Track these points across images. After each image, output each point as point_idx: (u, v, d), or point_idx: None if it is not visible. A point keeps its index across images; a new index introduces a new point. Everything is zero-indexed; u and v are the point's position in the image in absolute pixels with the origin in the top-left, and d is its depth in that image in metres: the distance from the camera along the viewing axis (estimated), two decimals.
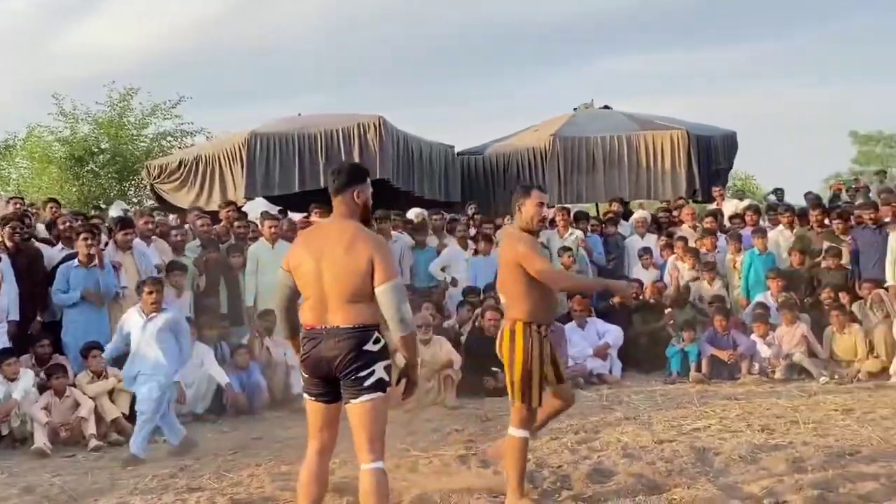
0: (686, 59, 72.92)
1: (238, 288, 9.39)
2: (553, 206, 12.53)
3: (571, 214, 11.82)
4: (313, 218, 11.32)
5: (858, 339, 9.21)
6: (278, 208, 13.39)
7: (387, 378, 4.03)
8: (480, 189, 14.95)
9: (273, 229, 9.56)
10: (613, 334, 9.75)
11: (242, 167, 12.86)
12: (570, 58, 79.12)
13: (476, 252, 10.95)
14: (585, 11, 74.47)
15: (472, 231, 11.60)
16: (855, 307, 9.63)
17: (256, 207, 13.38)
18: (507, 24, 68.19)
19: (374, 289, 3.94)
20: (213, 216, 10.89)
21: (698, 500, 4.84)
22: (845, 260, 10.19)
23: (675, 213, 12.49)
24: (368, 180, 4.24)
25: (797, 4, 66.38)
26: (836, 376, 8.94)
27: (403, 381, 4.15)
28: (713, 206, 12.99)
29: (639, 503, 4.84)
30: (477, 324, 9.29)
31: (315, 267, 4.02)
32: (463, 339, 9.27)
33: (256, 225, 10.57)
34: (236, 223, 10.24)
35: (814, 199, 12.38)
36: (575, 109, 16.37)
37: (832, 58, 68.97)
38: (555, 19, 69.49)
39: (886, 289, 9.51)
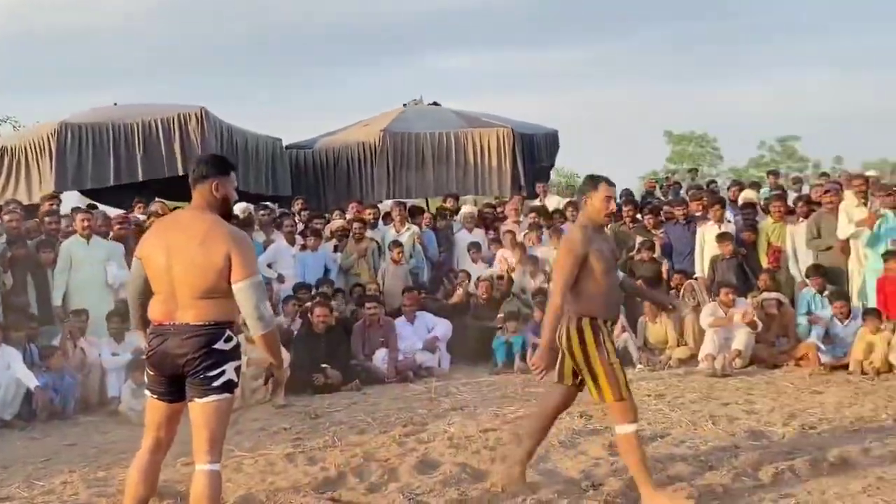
0: (514, 59, 75.21)
1: (48, 286, 8.88)
2: (380, 203, 12.66)
3: (407, 209, 11.93)
4: (136, 213, 10.90)
5: (669, 328, 9.78)
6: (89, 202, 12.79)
7: (235, 379, 3.92)
8: (310, 183, 14.79)
9: (86, 223, 9.09)
10: (442, 328, 9.90)
11: (51, 159, 12.14)
12: (401, 54, 79.85)
13: (304, 247, 10.85)
14: (416, 10, 75.35)
15: (301, 226, 11.47)
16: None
17: (70, 202, 12.68)
18: (339, 19, 68.00)
19: (230, 285, 3.82)
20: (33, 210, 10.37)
21: (520, 485, 4.98)
22: (658, 253, 10.85)
23: (499, 209, 12.84)
24: (232, 174, 4.10)
25: (619, 11, 69.80)
26: (649, 363, 9.47)
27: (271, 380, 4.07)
28: (537, 201, 13.42)
29: (463, 492, 4.94)
30: (306, 318, 9.22)
31: (165, 260, 3.87)
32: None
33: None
34: (47, 218, 9.67)
35: (626, 196, 13.04)
36: (405, 105, 16.46)
37: (649, 62, 73.04)
38: (386, 16, 69.88)
39: (696, 279, 10.21)
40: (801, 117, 57.23)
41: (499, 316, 10.08)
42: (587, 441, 6.01)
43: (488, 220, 12.38)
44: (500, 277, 10.92)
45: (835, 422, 6.50)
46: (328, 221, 11.96)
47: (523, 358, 9.37)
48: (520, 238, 11.33)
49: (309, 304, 9.42)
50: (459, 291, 10.69)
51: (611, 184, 4.88)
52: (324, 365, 8.76)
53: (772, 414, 6.83)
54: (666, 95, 62.13)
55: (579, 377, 4.83)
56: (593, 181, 4.87)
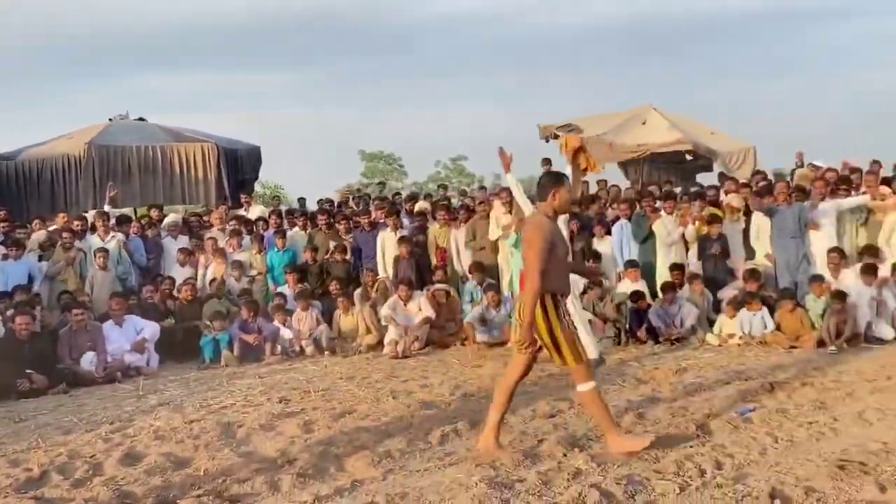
0: (220, 80, 73.01)
1: None
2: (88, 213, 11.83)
3: (112, 219, 11.28)
4: None
5: (360, 318, 10.08)
6: None
7: None
8: (13, 195, 13.43)
9: None
10: (150, 330, 9.42)
11: None
12: (109, 71, 74.41)
13: (6, 257, 9.85)
14: (124, 28, 70.58)
15: (1, 237, 10.37)
16: (356, 294, 10.55)
17: None
18: (38, 32, 61.68)
19: None
20: None
21: (220, 468, 4.95)
22: (349, 255, 11.16)
23: (205, 217, 12.52)
24: None
25: (322, 44, 70.29)
26: (343, 350, 9.72)
27: None
28: (241, 211, 13.22)
29: (167, 479, 4.80)
30: (9, 326, 8.37)
31: None
32: None
33: None
34: None
35: (323, 205, 13.26)
36: (110, 120, 15.47)
37: (348, 89, 74.46)
38: (94, 32, 64.60)
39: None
40: (470, 140, 61.51)
41: (205, 315, 9.83)
42: (284, 423, 6.06)
43: (194, 227, 12.00)
44: (212, 280, 10.66)
45: (489, 389, 7.05)
46: (31, 231, 10.96)
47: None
48: (222, 244, 11.15)
49: (10, 312, 8.55)
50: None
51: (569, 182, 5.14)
52: (29, 371, 8.01)
53: (441, 387, 7.28)
54: (360, 119, 63.79)
55: (538, 346, 4.87)
56: (559, 178, 5.01)
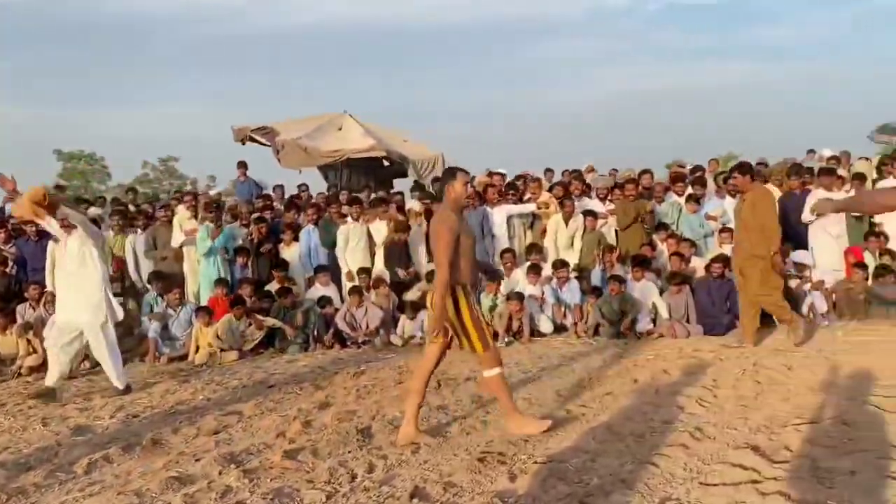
0: None
1: None
2: None
3: None
4: None
5: (21, 340, 9.05)
6: None
7: None
8: None
9: None
10: None
11: None
12: None
13: None
14: None
15: None
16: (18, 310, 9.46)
17: None
18: None
19: None
20: None
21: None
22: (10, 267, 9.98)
23: None
24: None
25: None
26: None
27: None
28: None
29: None
30: None
31: None
32: None
33: None
34: None
35: None
36: None
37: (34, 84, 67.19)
38: None
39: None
40: (181, 140, 58.54)
41: None
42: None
43: None
44: None
45: (157, 408, 6.66)
46: None
47: None
48: None
49: None
50: None
51: (466, 173, 5.16)
52: None
53: (103, 409, 6.71)
54: (53, 117, 58.03)
55: (450, 335, 5.00)
56: (452, 173, 5.09)
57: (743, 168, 8.16)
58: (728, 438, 4.76)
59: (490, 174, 11.64)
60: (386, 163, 15.29)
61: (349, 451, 4.96)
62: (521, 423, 5.13)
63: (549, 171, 14.13)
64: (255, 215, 10.69)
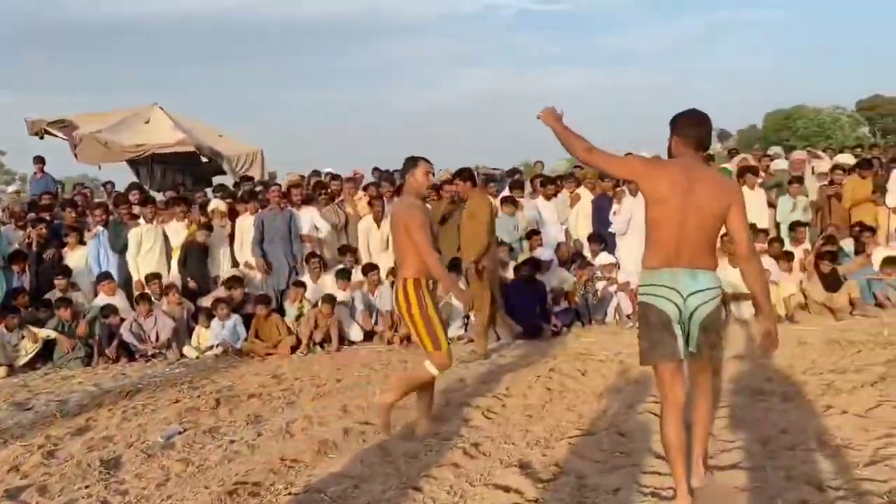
0: None
1: None
2: None
3: None
4: None
5: None
6: None
7: None
8: None
9: None
10: None
11: None
12: None
13: None
14: None
15: None
16: None
17: None
18: None
19: None
20: None
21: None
22: None
23: None
24: None
25: None
26: None
27: None
28: None
29: None
30: None
31: None
32: None
33: None
34: None
35: None
36: None
37: None
38: None
39: None
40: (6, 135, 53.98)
41: None
42: None
43: None
44: None
45: None
46: None
47: None
48: None
49: None
50: None
51: (428, 162, 5.00)
52: None
53: None
54: None
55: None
56: (413, 161, 4.97)
57: (464, 174, 8.20)
58: (503, 454, 4.54)
59: (318, 175, 11.13)
60: (204, 159, 14.41)
61: (85, 487, 4.36)
62: (386, 407, 4.99)
63: (377, 170, 13.71)
64: (30, 215, 9.63)
